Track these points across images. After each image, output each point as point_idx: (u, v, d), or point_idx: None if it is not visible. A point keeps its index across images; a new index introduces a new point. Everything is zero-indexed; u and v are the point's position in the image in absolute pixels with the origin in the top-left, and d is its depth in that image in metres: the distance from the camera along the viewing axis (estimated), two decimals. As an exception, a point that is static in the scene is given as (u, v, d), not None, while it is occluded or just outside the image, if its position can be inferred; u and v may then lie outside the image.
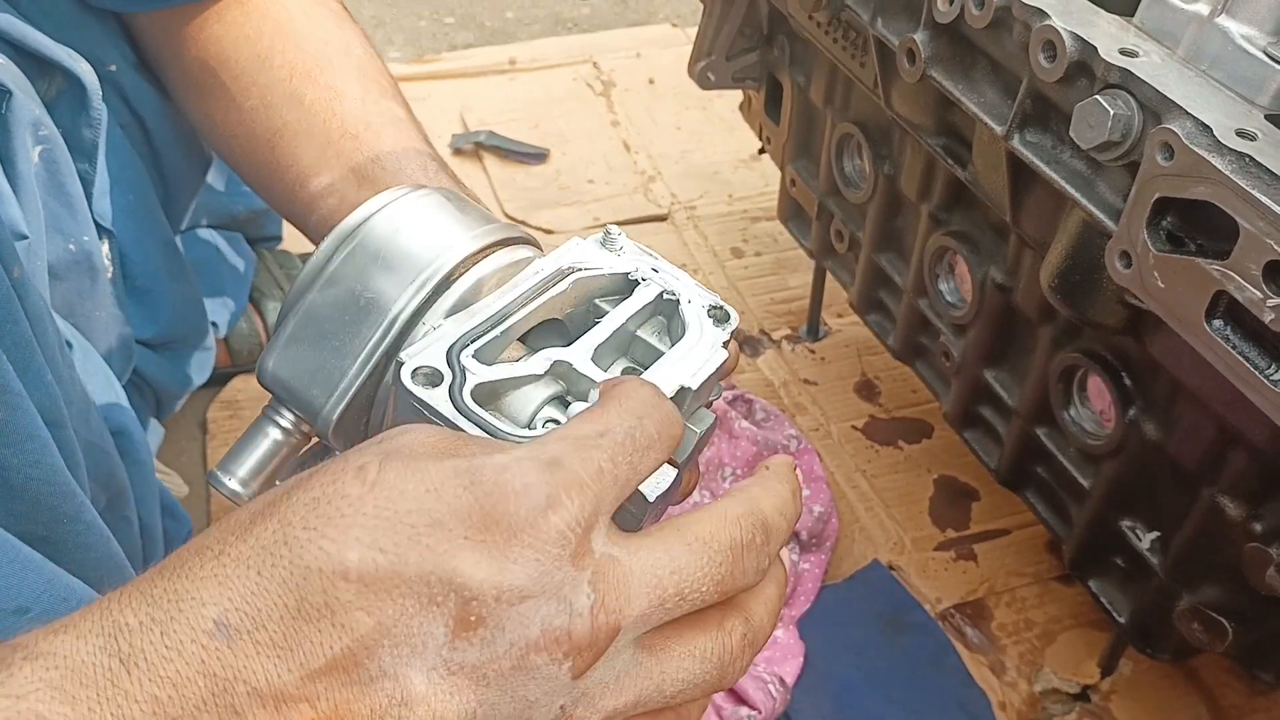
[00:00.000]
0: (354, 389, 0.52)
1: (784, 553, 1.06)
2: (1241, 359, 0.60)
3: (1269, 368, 0.59)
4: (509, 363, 0.48)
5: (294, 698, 0.35)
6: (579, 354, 0.49)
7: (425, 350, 0.47)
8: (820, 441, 1.21)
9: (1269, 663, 0.81)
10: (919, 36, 0.78)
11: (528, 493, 0.37)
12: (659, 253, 0.58)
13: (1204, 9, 0.64)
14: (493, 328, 0.49)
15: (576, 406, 0.48)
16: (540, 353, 0.49)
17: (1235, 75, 0.62)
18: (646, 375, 0.50)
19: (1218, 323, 0.61)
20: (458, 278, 0.52)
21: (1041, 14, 0.67)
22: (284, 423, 0.55)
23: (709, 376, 0.51)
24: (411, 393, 0.45)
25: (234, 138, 0.83)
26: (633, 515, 0.45)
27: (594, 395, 0.46)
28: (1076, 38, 0.65)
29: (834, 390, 1.28)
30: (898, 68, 0.82)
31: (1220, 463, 0.74)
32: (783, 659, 0.99)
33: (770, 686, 0.96)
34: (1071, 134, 0.66)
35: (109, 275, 0.83)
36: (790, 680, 0.98)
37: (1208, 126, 0.59)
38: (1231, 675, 1.01)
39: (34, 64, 0.76)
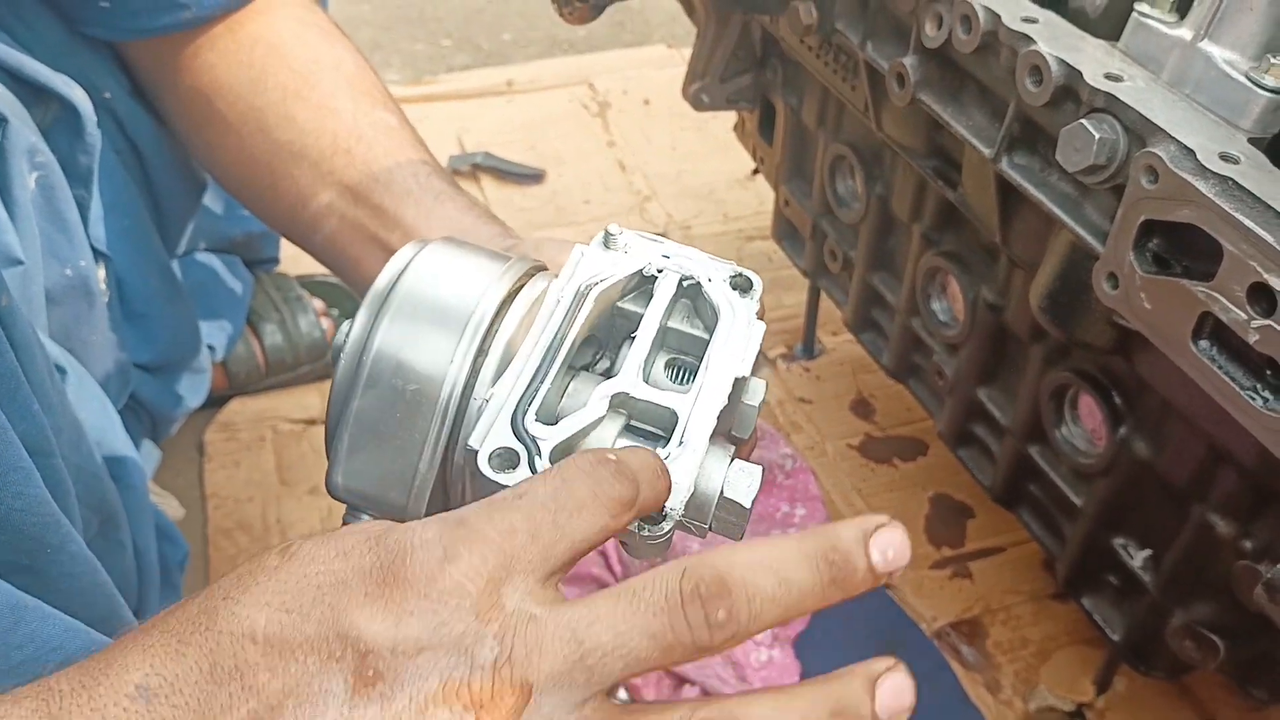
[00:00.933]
0: (429, 482, 0.51)
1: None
2: (1227, 379, 0.60)
3: (1254, 388, 0.59)
4: (571, 415, 0.47)
5: None
6: (630, 380, 0.48)
7: (491, 431, 0.46)
8: (816, 460, 1.22)
9: (1262, 680, 0.81)
10: (908, 60, 0.79)
11: (426, 547, 0.38)
12: None
13: (1187, 34, 0.65)
14: (542, 381, 0.48)
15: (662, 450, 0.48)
16: (596, 391, 0.48)
17: (1218, 99, 0.63)
18: (702, 374, 0.49)
19: (1203, 343, 0.61)
20: (490, 344, 0.51)
21: (1028, 39, 0.68)
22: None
23: (756, 356, 0.51)
24: (493, 480, 0.45)
25: (232, 164, 0.84)
26: (734, 524, 0.46)
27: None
28: (1062, 62, 0.66)
29: (829, 408, 1.29)
30: (888, 91, 0.83)
31: (1210, 481, 0.75)
32: (779, 678, 0.99)
33: (766, 706, 0.96)
34: (1058, 157, 0.66)
35: (105, 300, 0.84)
36: (786, 699, 0.98)
37: (1191, 150, 0.60)
38: (1226, 692, 1.01)
39: (30, 91, 0.76)
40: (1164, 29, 0.66)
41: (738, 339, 0.51)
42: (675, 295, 0.53)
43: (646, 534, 0.45)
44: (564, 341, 0.50)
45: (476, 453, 0.45)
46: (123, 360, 0.88)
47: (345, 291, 1.33)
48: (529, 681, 0.36)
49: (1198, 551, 0.78)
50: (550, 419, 0.47)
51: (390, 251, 0.74)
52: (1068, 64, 0.66)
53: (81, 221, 0.80)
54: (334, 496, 0.53)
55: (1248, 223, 0.56)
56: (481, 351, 0.50)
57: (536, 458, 0.45)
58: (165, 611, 0.40)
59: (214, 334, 1.17)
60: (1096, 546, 0.87)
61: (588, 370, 0.53)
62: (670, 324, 0.53)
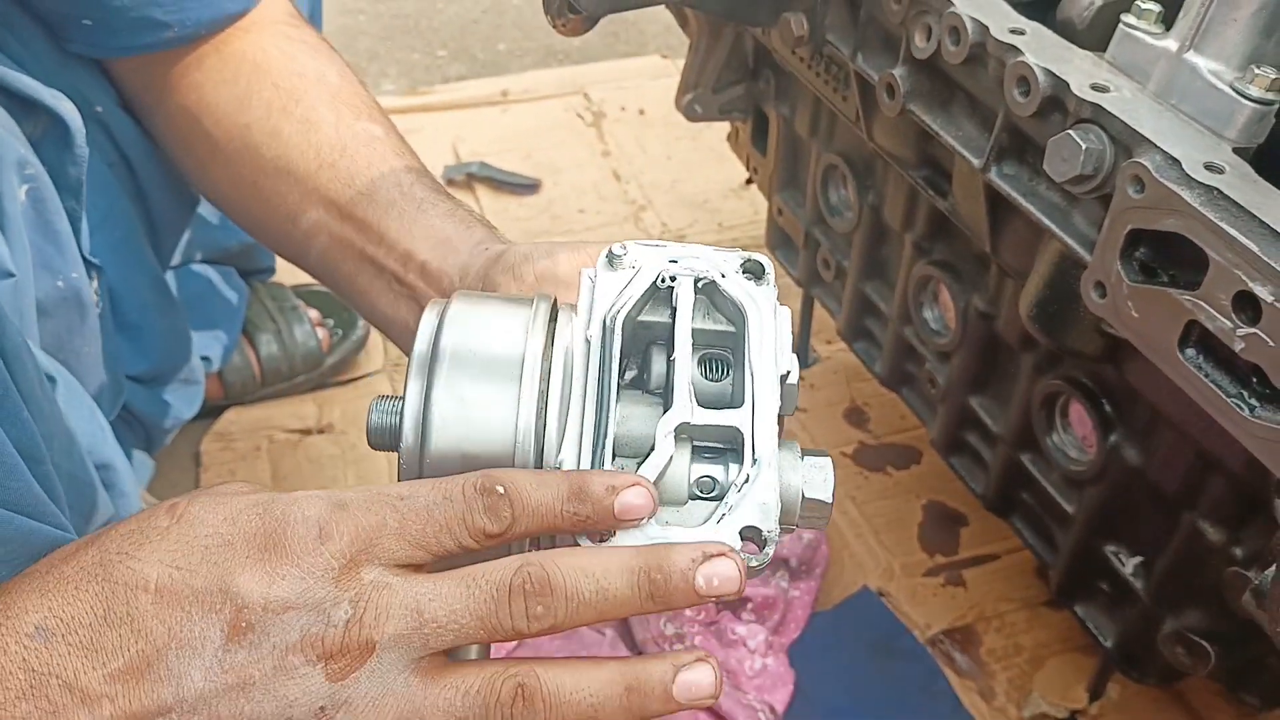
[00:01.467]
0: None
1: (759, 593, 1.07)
2: (1214, 387, 0.61)
3: (1240, 395, 0.60)
4: (645, 463, 0.48)
5: (97, 694, 0.42)
6: (687, 408, 0.49)
7: None
8: (810, 468, 1.22)
9: (1253, 685, 0.82)
10: (898, 72, 0.80)
11: (306, 523, 0.44)
12: None
13: (1173, 45, 0.65)
14: (605, 436, 0.49)
15: (720, 469, 0.49)
16: (659, 429, 0.48)
17: (1204, 109, 0.64)
18: (748, 382, 0.50)
19: (1190, 351, 0.62)
20: (547, 406, 0.51)
21: (1015, 50, 0.69)
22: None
23: (790, 341, 0.52)
24: (592, 548, 0.46)
25: (222, 183, 0.84)
26: (818, 518, 0.49)
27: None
28: (1049, 73, 0.67)
29: (823, 417, 1.29)
30: (878, 102, 0.83)
31: (1199, 488, 0.75)
32: (773, 687, 1.00)
33: (760, 714, 0.96)
34: (1045, 167, 0.67)
35: (98, 311, 0.84)
36: (780, 708, 0.98)
37: (1177, 160, 0.60)
38: (1219, 698, 1.01)
39: (19, 104, 0.77)
40: (1150, 40, 0.67)
41: (768, 333, 0.51)
42: (695, 298, 0.53)
43: (755, 564, 0.46)
44: (610, 388, 0.50)
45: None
46: (115, 372, 0.88)
47: (340, 301, 1.33)
48: (373, 640, 0.43)
49: (1188, 558, 0.78)
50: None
51: (380, 267, 0.74)
52: (1055, 75, 0.67)
53: (73, 233, 0.80)
54: None
55: (1233, 232, 0.56)
56: (541, 397, 0.50)
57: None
58: (57, 555, 0.45)
59: (209, 344, 1.17)
60: (1088, 554, 0.87)
61: (622, 387, 0.53)
62: (694, 325, 0.53)
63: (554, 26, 0.94)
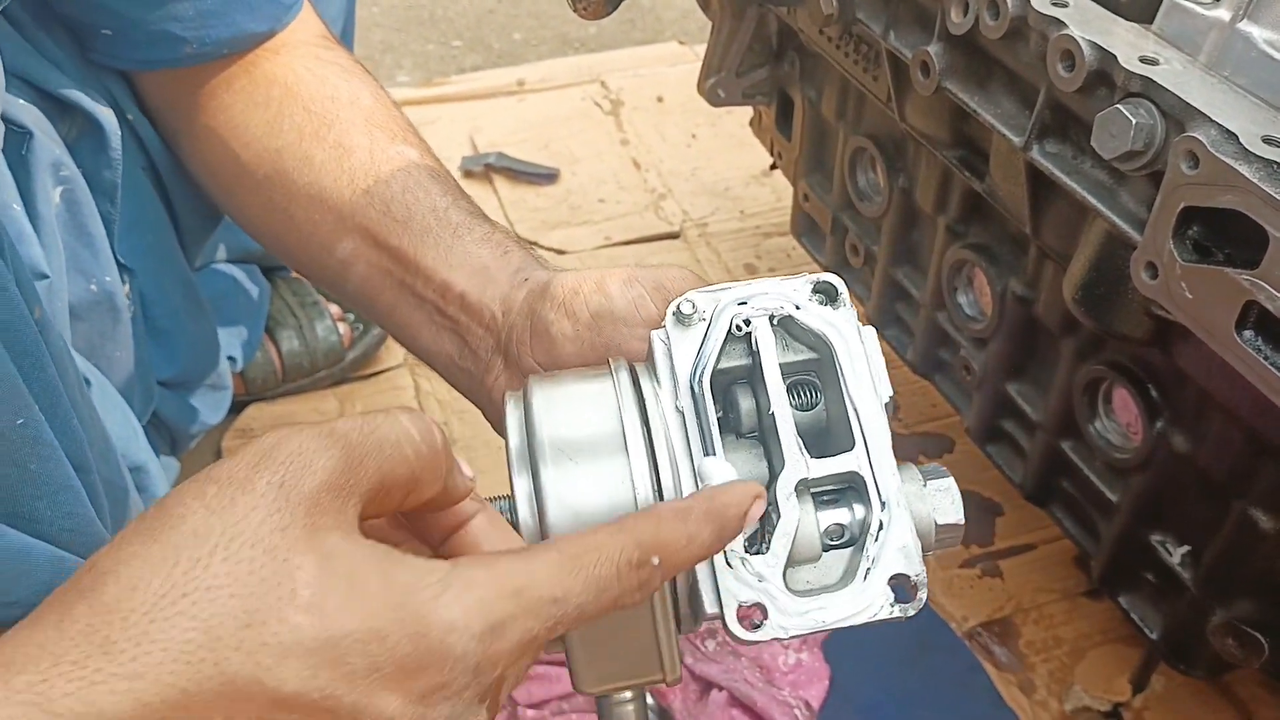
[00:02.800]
0: (674, 642, 0.51)
1: None
2: (1274, 370, 0.58)
3: (1304, 378, 0.57)
4: (776, 534, 0.47)
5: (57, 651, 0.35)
6: (800, 464, 0.48)
7: (722, 590, 0.46)
8: (840, 458, 1.20)
9: (1307, 678, 0.79)
10: (933, 49, 0.77)
11: (465, 659, 0.39)
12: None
13: (1225, 14, 0.63)
14: None
15: (845, 512, 0.48)
16: (779, 492, 0.47)
17: (1260, 81, 0.61)
18: (855, 421, 0.49)
19: (1248, 333, 0.59)
20: (661, 490, 0.49)
21: (1059, 23, 0.67)
22: (628, 698, 0.56)
23: (881, 363, 0.51)
24: (752, 641, 0.45)
25: (250, 207, 0.82)
26: (952, 539, 0.49)
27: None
28: (1095, 46, 0.64)
29: (852, 406, 1.27)
30: (912, 81, 0.81)
31: (1251, 474, 0.73)
32: (808, 683, 0.98)
33: (796, 711, 0.94)
34: (1093, 144, 0.65)
35: (130, 315, 0.83)
36: (816, 704, 0.96)
37: (1233, 134, 0.58)
38: (1265, 690, 0.99)
39: (55, 106, 0.76)
40: (1200, 10, 0.64)
41: (859, 360, 0.50)
42: (774, 337, 0.51)
43: (913, 613, 0.46)
44: (717, 453, 0.49)
45: (724, 619, 0.46)
46: (146, 376, 0.87)
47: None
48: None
49: (1239, 547, 0.76)
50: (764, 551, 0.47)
51: (420, 299, 0.72)
52: (1101, 48, 0.64)
53: (107, 236, 0.79)
54: (586, 692, 0.52)
55: (1295, 207, 0.54)
56: (653, 468, 0.49)
57: (773, 599, 0.45)
58: (127, 618, 0.36)
59: (232, 342, 1.16)
60: (1133, 543, 0.85)
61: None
62: (779, 361, 0.51)
63: (574, 9, 0.92)
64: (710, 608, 0.46)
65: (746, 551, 0.46)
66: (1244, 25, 0.62)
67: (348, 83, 0.82)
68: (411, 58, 2.12)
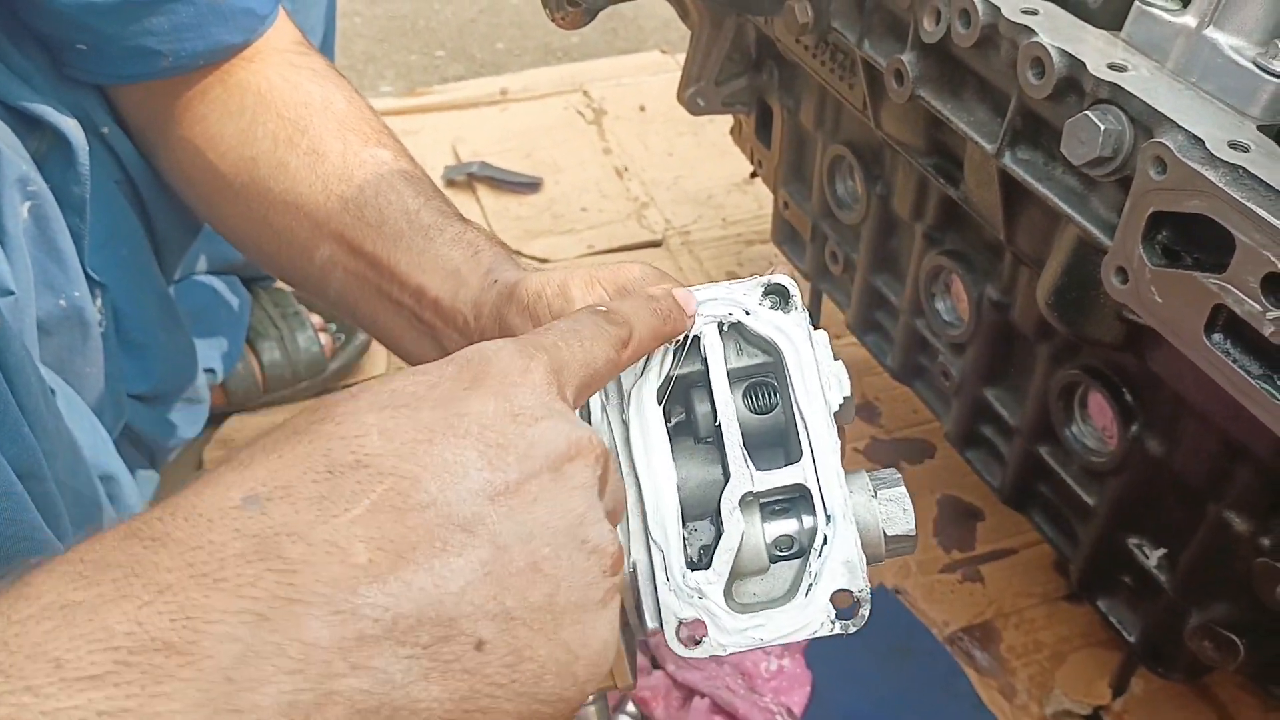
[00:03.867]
0: (624, 656, 0.50)
1: None
2: (1243, 372, 0.59)
3: (1270, 380, 0.58)
4: (719, 550, 0.47)
5: (345, 539, 0.35)
6: (745, 478, 0.48)
7: (663, 608, 0.46)
8: (822, 465, 1.20)
9: (1283, 679, 0.80)
10: (906, 57, 0.78)
11: (507, 354, 0.42)
12: None
13: (1192, 21, 0.63)
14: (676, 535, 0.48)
15: (794, 522, 0.48)
16: (724, 506, 0.47)
17: (1225, 87, 0.62)
18: (802, 431, 0.48)
19: (1217, 336, 0.60)
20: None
21: (1028, 31, 0.67)
22: (589, 701, 0.56)
23: (833, 360, 0.51)
24: (693, 658, 0.46)
25: (230, 217, 0.82)
26: (905, 548, 0.49)
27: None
28: (1064, 54, 0.65)
29: (834, 413, 1.27)
30: (886, 89, 0.81)
31: (1226, 477, 0.73)
32: (790, 689, 0.98)
33: (779, 717, 0.95)
34: (1062, 150, 0.65)
35: (101, 330, 0.82)
36: (798, 710, 0.96)
37: (1200, 139, 0.58)
38: (1245, 692, 0.99)
39: (23, 122, 0.75)
40: (1167, 17, 0.65)
41: (808, 365, 0.49)
42: (723, 341, 0.51)
43: (853, 630, 0.46)
44: (667, 466, 0.49)
45: (663, 635, 0.46)
46: (118, 390, 0.86)
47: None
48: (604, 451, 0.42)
49: (1215, 550, 0.76)
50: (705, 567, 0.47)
51: (398, 305, 0.72)
52: (1070, 55, 0.65)
53: (76, 251, 0.79)
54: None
55: (1261, 212, 0.54)
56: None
57: (716, 617, 0.45)
58: (253, 442, 0.39)
59: (212, 353, 1.15)
60: (1110, 547, 0.85)
61: (670, 432, 0.51)
62: (730, 365, 0.51)
63: (553, 20, 0.92)
64: (651, 623, 0.46)
65: (690, 567, 0.46)
66: (1210, 32, 0.62)
67: (321, 87, 0.82)
68: (394, 68, 2.12)
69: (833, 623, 0.45)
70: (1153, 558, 0.82)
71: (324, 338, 1.28)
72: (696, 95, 1.16)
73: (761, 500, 0.48)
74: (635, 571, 0.47)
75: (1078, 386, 0.82)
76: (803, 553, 0.48)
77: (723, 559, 0.46)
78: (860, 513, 0.47)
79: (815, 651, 1.01)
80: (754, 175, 1.24)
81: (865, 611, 0.46)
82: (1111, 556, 0.86)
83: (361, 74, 2.05)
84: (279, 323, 1.27)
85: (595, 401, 0.51)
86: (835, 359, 0.52)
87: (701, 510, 0.48)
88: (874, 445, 1.23)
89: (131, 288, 0.90)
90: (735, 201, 1.61)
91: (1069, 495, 0.88)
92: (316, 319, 1.29)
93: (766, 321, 0.51)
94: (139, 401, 0.96)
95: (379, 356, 1.35)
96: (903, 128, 0.86)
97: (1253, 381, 0.58)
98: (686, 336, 0.51)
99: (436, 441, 0.37)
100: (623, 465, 0.49)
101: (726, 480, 0.48)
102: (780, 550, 0.48)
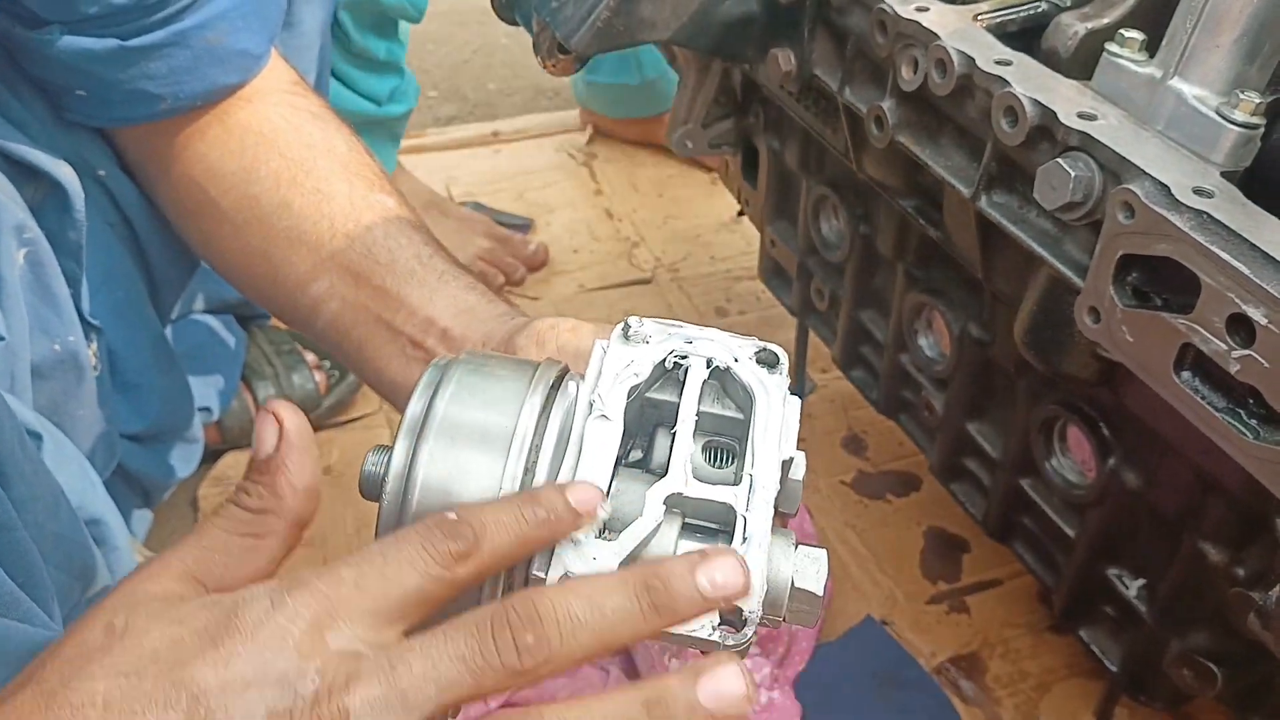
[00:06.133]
0: None
1: None
2: (1210, 409, 0.61)
3: (1237, 417, 0.60)
4: (630, 526, 0.47)
5: None
6: (680, 479, 0.48)
7: (553, 560, 0.46)
8: (810, 497, 1.22)
9: (1260, 706, 0.82)
10: (886, 104, 0.81)
11: (257, 599, 0.41)
12: (644, 315, 0.58)
13: (1157, 72, 0.66)
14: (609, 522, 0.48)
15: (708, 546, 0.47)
16: (649, 496, 0.48)
17: (1190, 135, 0.64)
18: (749, 462, 0.49)
19: (1186, 374, 0.62)
20: (535, 463, 0.49)
21: (1002, 81, 0.70)
22: None
23: (795, 432, 0.51)
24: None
25: (229, 252, 0.83)
26: (807, 612, 0.47)
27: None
28: (1036, 103, 0.68)
29: (821, 446, 1.29)
30: (867, 134, 0.84)
31: (1200, 510, 0.75)
32: (780, 720, 0.99)
33: (768, 748, 0.96)
34: (1035, 195, 0.68)
35: (96, 373, 0.83)
36: (788, 741, 0.98)
37: (1166, 185, 0.61)
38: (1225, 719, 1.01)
39: (19, 170, 0.77)
40: (1134, 68, 0.68)
41: (775, 420, 0.50)
42: (706, 380, 0.52)
43: (731, 643, 0.45)
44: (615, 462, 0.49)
45: (545, 580, 0.45)
46: (110, 433, 0.87)
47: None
48: (347, 709, 0.39)
49: (1191, 580, 0.78)
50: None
51: (396, 332, 0.73)
52: (1042, 104, 0.68)
53: (72, 296, 0.80)
54: None
55: (1224, 255, 0.57)
56: (527, 471, 0.49)
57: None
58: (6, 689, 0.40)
59: (209, 392, 1.16)
60: (1091, 577, 0.87)
61: (622, 464, 0.52)
62: (702, 408, 0.52)
63: (544, 67, 0.95)
64: (537, 570, 0.45)
65: (595, 537, 0.46)
66: (1174, 82, 0.65)
67: (322, 130, 0.84)
68: (387, 108, 2.15)
69: (714, 629, 0.44)
70: (1132, 588, 0.84)
71: (318, 375, 1.30)
72: (684, 137, 1.18)
73: (686, 518, 0.49)
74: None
75: (1056, 421, 0.85)
76: None
77: (630, 535, 0.46)
78: (776, 555, 0.47)
79: (804, 684, 1.03)
80: (741, 214, 1.27)
81: (750, 632, 0.45)
82: (1093, 587, 0.88)
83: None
84: (274, 360, 1.28)
85: (563, 397, 0.51)
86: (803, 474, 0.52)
87: (624, 527, 0.48)
88: (861, 478, 1.25)
89: (127, 330, 0.91)
90: (723, 239, 1.64)
91: (1050, 527, 0.90)
92: (311, 357, 1.31)
93: (751, 373, 0.52)
94: (133, 441, 0.97)
95: (371, 394, 1.36)
96: (884, 171, 0.89)
97: (1219, 416, 0.61)
98: (670, 360, 0.52)
99: (149, 715, 0.39)
100: (569, 451, 0.49)
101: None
102: None
